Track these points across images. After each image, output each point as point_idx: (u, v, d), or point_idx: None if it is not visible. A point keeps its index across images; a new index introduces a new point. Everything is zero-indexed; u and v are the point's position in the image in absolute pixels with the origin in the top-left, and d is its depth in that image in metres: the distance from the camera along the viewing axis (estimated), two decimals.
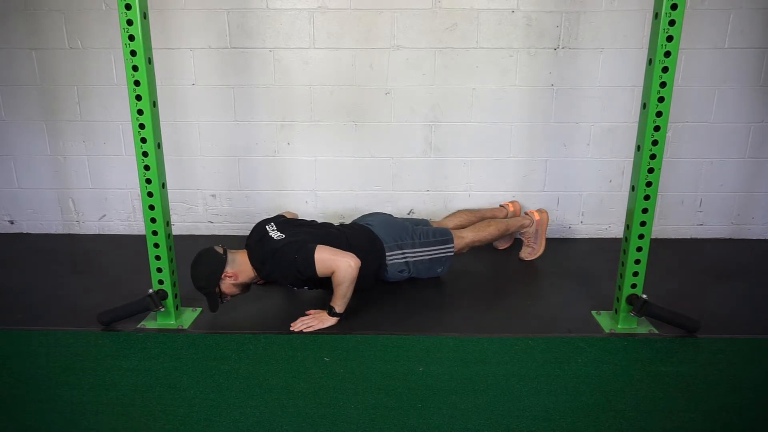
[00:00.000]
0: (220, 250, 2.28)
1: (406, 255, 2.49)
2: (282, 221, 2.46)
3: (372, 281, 2.46)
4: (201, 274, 2.24)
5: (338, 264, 2.21)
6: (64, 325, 2.29)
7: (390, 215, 2.76)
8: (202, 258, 2.27)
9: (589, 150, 3.03)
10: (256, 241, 2.35)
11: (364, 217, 2.75)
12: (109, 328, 2.26)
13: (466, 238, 2.64)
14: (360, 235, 2.45)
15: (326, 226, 2.52)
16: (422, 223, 2.68)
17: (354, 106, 3.00)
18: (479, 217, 2.87)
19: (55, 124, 3.08)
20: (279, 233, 2.34)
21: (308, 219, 2.68)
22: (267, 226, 2.39)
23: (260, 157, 3.10)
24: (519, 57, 2.90)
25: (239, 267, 2.29)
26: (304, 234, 2.36)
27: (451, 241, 2.57)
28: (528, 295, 2.59)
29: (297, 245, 2.26)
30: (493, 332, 2.23)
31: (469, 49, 2.90)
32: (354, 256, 2.24)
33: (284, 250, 2.25)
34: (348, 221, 3.04)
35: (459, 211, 2.95)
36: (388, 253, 2.45)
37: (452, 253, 2.58)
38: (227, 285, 2.27)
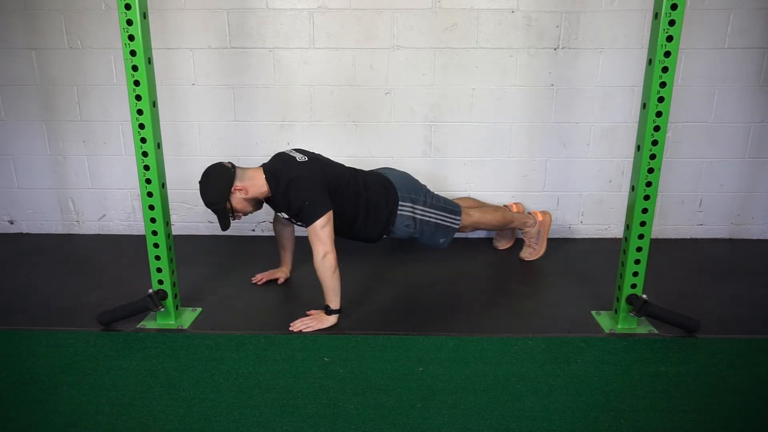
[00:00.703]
0: (228, 164, 2.27)
1: (416, 210, 2.50)
2: (302, 149, 2.45)
3: (381, 229, 2.46)
4: (210, 188, 2.23)
5: (317, 248, 2.20)
6: (64, 325, 2.29)
7: (407, 172, 2.74)
8: (210, 173, 2.26)
9: (589, 150, 3.03)
10: (275, 158, 2.36)
11: (382, 168, 2.75)
12: (109, 328, 2.26)
13: (473, 216, 2.67)
14: (376, 180, 2.48)
15: (344, 168, 2.51)
16: (434, 193, 2.69)
17: (354, 106, 3.00)
18: (484, 206, 2.89)
19: (54, 124, 3.08)
20: (302, 155, 2.34)
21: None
22: (286, 151, 2.40)
23: (260, 157, 3.09)
24: (519, 57, 2.90)
25: (250, 180, 2.27)
26: (325, 171, 2.33)
27: (459, 213, 2.59)
28: (528, 295, 2.59)
29: (315, 190, 2.23)
30: (493, 332, 2.23)
31: (469, 49, 2.90)
32: (333, 250, 2.22)
33: (302, 184, 2.23)
34: None
35: (466, 197, 2.97)
36: (400, 203, 2.46)
37: (458, 225, 2.59)
38: (238, 200, 2.25)
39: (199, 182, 2.27)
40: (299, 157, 2.35)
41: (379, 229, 2.45)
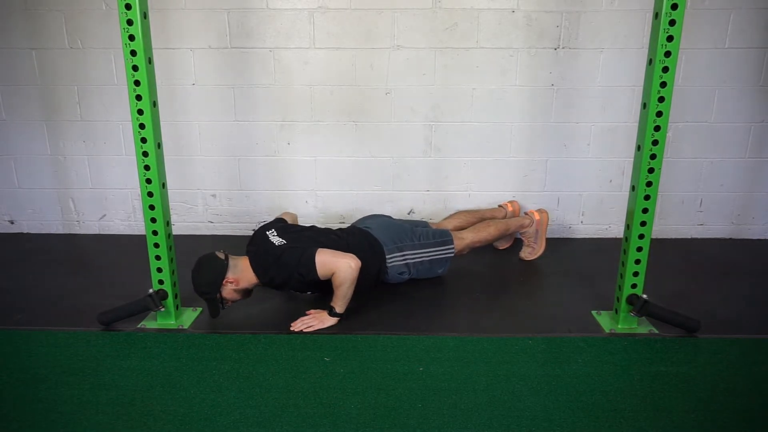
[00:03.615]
0: (221, 255, 2.28)
1: (406, 257, 2.49)
2: (282, 226, 2.46)
3: (372, 284, 2.46)
4: (203, 280, 2.24)
5: (339, 265, 2.21)
6: (64, 325, 2.29)
7: (389, 217, 2.76)
8: (203, 264, 2.27)
9: (589, 150, 3.03)
10: (257, 247, 2.35)
11: (363, 219, 2.75)
12: (109, 328, 2.26)
13: (466, 239, 2.64)
14: (360, 240, 2.46)
15: (326, 232, 2.52)
16: (421, 225, 2.68)
17: (354, 106, 3.00)
18: (478, 218, 2.87)
19: (55, 124, 3.08)
20: (280, 239, 2.35)
21: (308, 223, 2.67)
22: (267, 232, 2.40)
23: (260, 157, 3.10)
24: (519, 57, 2.90)
25: (241, 273, 2.28)
26: (305, 239, 2.37)
27: (451, 242, 2.57)
28: (528, 295, 2.59)
29: (299, 251, 2.26)
30: (493, 332, 2.23)
31: (469, 49, 2.90)
32: (354, 256, 2.24)
33: (286, 255, 2.26)
34: (348, 221, 3.05)
35: (458, 212, 2.95)
36: (388, 256, 2.45)
37: (452, 254, 2.58)
38: (228, 291, 2.27)
39: (192, 271, 2.27)
40: (278, 241, 2.34)
41: (370, 283, 2.44)
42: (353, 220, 2.84)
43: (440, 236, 2.58)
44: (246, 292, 2.36)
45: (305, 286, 2.34)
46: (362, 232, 2.52)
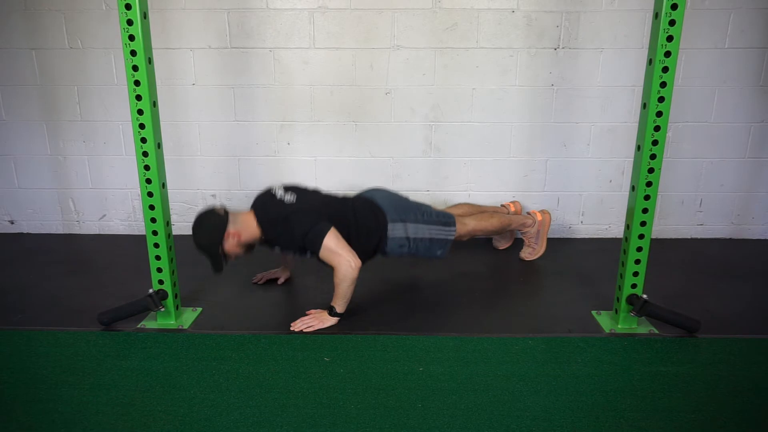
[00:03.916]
0: (221, 210, 2.27)
1: (408, 229, 2.46)
2: (287, 186, 2.44)
3: (372, 252, 2.44)
4: (203, 235, 2.23)
5: (340, 261, 2.21)
6: (64, 325, 2.29)
7: (395, 192, 2.72)
8: (203, 219, 2.26)
9: (589, 150, 3.03)
10: (263, 202, 2.35)
11: (369, 190, 2.71)
12: (109, 328, 2.26)
13: (468, 225, 2.63)
14: (364, 206, 2.45)
15: (332, 196, 2.50)
16: (424, 207, 2.66)
17: (354, 106, 3.00)
18: (480, 211, 2.87)
19: (55, 124, 3.08)
20: (289, 196, 2.34)
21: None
22: (273, 191, 2.39)
23: (260, 157, 3.10)
24: (519, 57, 2.90)
25: (242, 226, 2.27)
26: (316, 203, 2.35)
27: (453, 224, 2.55)
28: (528, 295, 2.59)
29: (310, 220, 2.24)
30: (493, 332, 2.23)
31: (469, 49, 2.90)
32: (356, 256, 2.23)
33: (297, 219, 2.24)
34: None
35: (462, 203, 2.95)
36: (390, 225, 2.43)
37: (453, 236, 2.55)
38: (230, 244, 2.26)
39: (192, 227, 2.26)
40: (287, 198, 2.34)
41: (370, 252, 2.43)
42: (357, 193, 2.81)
43: (443, 216, 2.57)
44: (248, 247, 2.34)
45: (305, 254, 2.33)
46: (367, 200, 2.51)
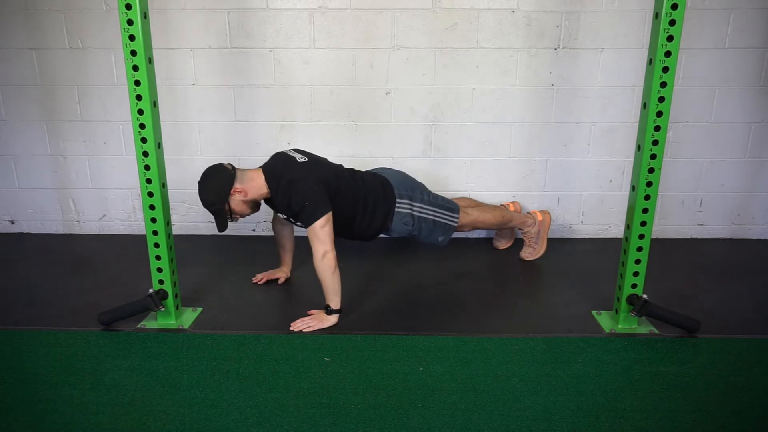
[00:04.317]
0: (228, 166, 2.28)
1: (414, 207, 2.49)
2: (300, 149, 2.45)
3: (379, 228, 2.46)
4: (209, 189, 2.24)
5: (316, 247, 2.21)
6: (64, 325, 2.29)
7: (404, 171, 2.74)
8: (209, 173, 2.27)
9: (589, 150, 3.03)
10: (275, 160, 2.36)
11: (378, 168, 2.75)
12: (109, 328, 2.26)
13: (471, 215, 2.66)
14: (373, 179, 2.48)
15: (342, 168, 2.51)
16: (431, 191, 2.69)
17: (354, 106, 3.00)
18: (482, 205, 2.89)
19: (55, 124, 3.08)
20: (301, 156, 2.35)
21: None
22: (286, 151, 2.40)
23: (260, 157, 3.08)
24: (519, 57, 2.90)
25: (249, 183, 2.28)
26: (325, 171, 2.34)
27: (457, 211, 2.59)
28: (528, 295, 2.59)
29: (315, 192, 2.23)
30: (493, 332, 2.23)
31: (470, 49, 2.90)
32: (333, 250, 2.22)
33: (303, 185, 2.24)
34: None
35: (464, 197, 2.97)
36: (398, 200, 2.45)
37: (456, 223, 2.58)
38: (237, 201, 2.26)
39: (198, 182, 2.28)
40: (299, 157, 2.35)
41: (377, 227, 2.46)
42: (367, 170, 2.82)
43: (448, 202, 2.61)
44: (254, 205, 2.34)
45: (296, 222, 2.34)
46: (376, 175, 2.55)
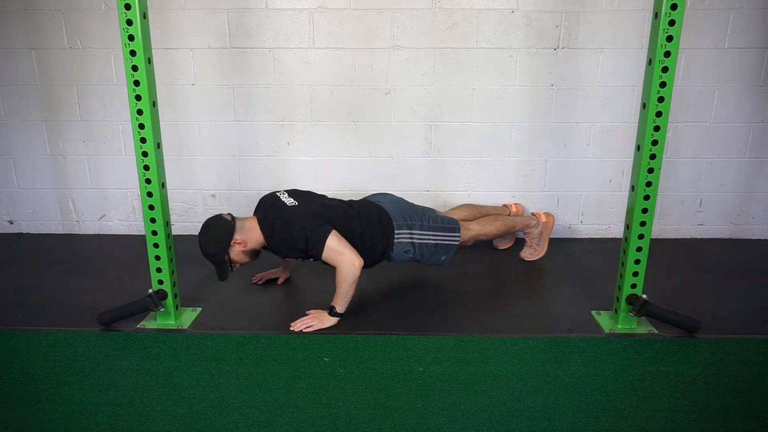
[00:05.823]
0: (228, 217, 2.28)
1: (413, 235, 2.47)
2: (293, 190, 2.46)
3: (378, 258, 2.45)
4: (210, 242, 2.25)
5: (342, 259, 2.21)
6: (64, 325, 2.29)
7: (400, 197, 2.73)
8: (210, 226, 2.27)
9: (589, 150, 3.03)
10: (267, 206, 2.35)
11: (374, 195, 2.72)
12: (109, 328, 2.26)
13: (472, 230, 2.64)
14: (370, 211, 2.45)
15: (337, 201, 2.50)
16: (429, 211, 2.67)
17: (354, 106, 3.00)
18: (483, 213, 2.88)
19: (54, 124, 3.08)
20: (292, 200, 2.34)
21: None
22: (278, 194, 2.39)
23: (260, 157, 3.10)
24: (519, 57, 2.90)
25: (248, 233, 2.28)
26: (318, 207, 2.34)
27: (458, 230, 2.56)
28: (528, 295, 2.59)
29: (312, 221, 2.24)
30: (493, 332, 2.23)
31: (469, 49, 2.90)
32: (358, 255, 2.23)
33: (298, 221, 2.24)
34: None
35: (464, 205, 2.95)
36: (396, 231, 2.43)
37: (458, 242, 2.56)
38: (236, 252, 2.27)
39: (199, 234, 2.28)
40: (290, 201, 2.35)
41: (377, 258, 2.43)
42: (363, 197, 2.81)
43: (448, 222, 2.57)
44: (254, 254, 2.35)
45: (307, 257, 2.32)
46: (373, 205, 2.51)
